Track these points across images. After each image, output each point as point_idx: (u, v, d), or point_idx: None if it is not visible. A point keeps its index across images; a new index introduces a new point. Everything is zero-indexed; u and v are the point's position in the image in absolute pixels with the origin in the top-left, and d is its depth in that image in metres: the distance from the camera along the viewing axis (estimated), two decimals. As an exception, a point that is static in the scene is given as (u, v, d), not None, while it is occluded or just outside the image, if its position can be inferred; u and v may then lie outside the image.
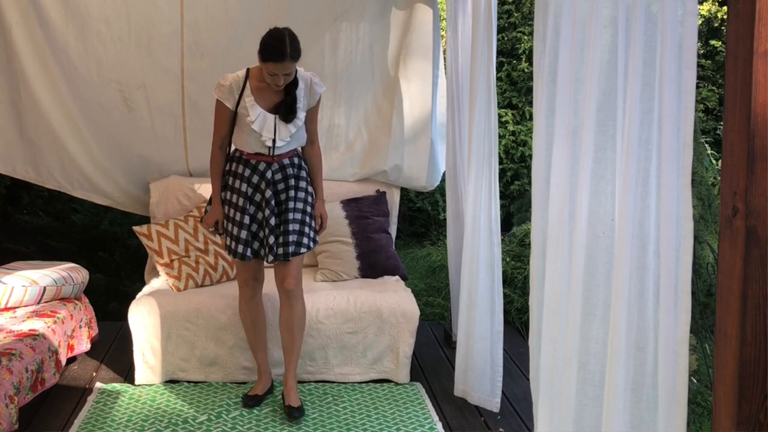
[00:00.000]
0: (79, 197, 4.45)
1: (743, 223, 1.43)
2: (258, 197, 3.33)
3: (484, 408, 3.46)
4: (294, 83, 3.25)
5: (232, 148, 3.42)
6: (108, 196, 4.38)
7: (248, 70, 3.27)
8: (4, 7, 3.93)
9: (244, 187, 3.31)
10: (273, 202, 3.31)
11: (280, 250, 3.32)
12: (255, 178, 3.31)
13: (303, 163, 3.45)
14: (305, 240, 3.38)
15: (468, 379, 3.50)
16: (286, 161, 3.35)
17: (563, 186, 2.13)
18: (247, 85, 3.24)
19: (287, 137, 3.29)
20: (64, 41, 4.04)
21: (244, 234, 3.32)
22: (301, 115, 3.31)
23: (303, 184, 3.40)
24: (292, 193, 3.35)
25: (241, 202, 3.32)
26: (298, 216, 3.35)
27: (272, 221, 3.30)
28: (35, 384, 3.24)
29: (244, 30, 4.05)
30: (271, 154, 3.30)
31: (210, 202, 3.49)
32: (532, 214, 2.33)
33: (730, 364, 1.46)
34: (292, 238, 3.32)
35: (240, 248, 3.34)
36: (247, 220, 3.32)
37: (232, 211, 3.35)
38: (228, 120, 3.29)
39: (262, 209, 3.33)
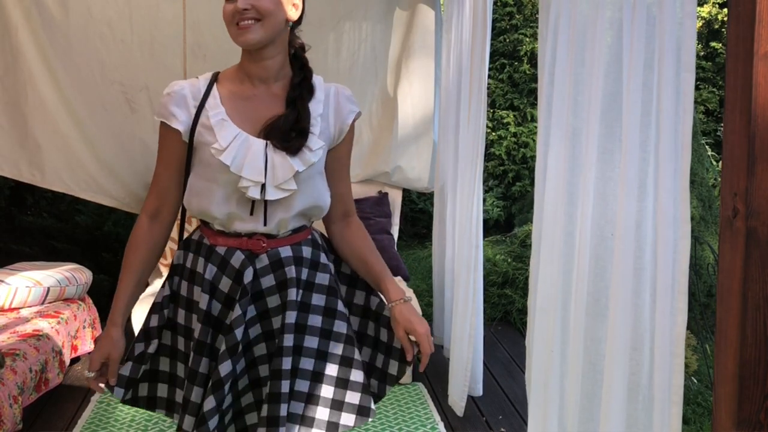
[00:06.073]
0: (85, 199, 4.47)
1: (743, 224, 1.44)
2: (228, 319, 1.76)
3: (480, 409, 3.48)
4: (306, 89, 1.79)
5: (189, 229, 1.95)
6: (114, 197, 4.39)
7: (216, 73, 1.81)
8: (8, 8, 3.94)
9: (203, 300, 1.76)
10: (240, 332, 1.73)
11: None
12: (224, 283, 1.77)
13: (326, 258, 1.87)
14: (323, 414, 1.82)
15: (451, 379, 3.53)
16: (286, 251, 1.78)
17: (561, 187, 2.15)
18: (214, 90, 1.76)
19: (289, 183, 1.72)
20: (67, 43, 4.06)
21: (193, 394, 1.73)
22: (317, 144, 1.76)
23: (334, 302, 1.84)
24: (292, 317, 1.77)
25: (196, 330, 1.76)
26: (322, 365, 1.82)
27: (224, 368, 1.70)
28: (39, 384, 3.25)
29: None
30: (264, 222, 1.75)
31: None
32: (534, 216, 2.35)
33: (731, 364, 1.47)
34: (289, 410, 1.78)
35: (186, 422, 1.72)
36: (203, 366, 1.74)
37: (188, 344, 1.81)
38: (175, 157, 1.77)
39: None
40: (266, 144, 1.73)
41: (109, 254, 5.36)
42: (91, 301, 4.14)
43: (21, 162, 4.17)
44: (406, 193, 5.63)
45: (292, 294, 1.77)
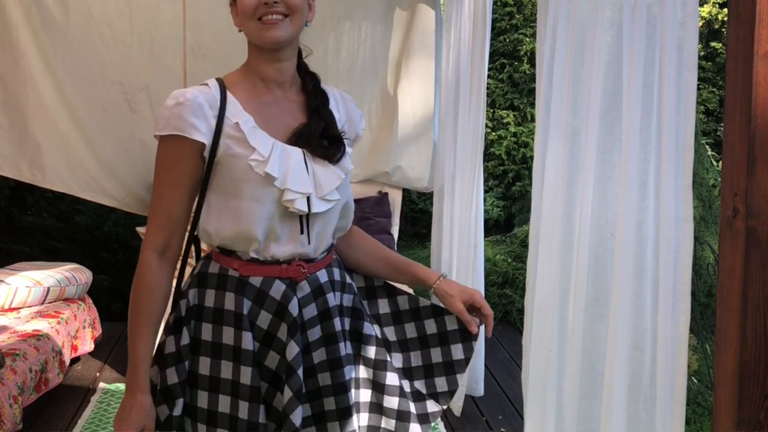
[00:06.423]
0: (85, 199, 4.47)
1: (744, 224, 1.43)
2: (273, 361, 1.58)
3: (480, 409, 3.48)
4: (323, 95, 1.66)
5: (188, 267, 1.70)
6: (114, 197, 4.40)
7: (220, 80, 1.60)
8: (8, 8, 3.95)
9: (246, 340, 1.54)
10: (302, 372, 1.55)
11: None
12: (263, 319, 1.57)
13: (350, 277, 1.73)
14: None
15: None
16: (323, 276, 1.63)
17: (560, 187, 2.14)
18: (229, 96, 1.56)
19: (333, 193, 1.59)
20: (67, 43, 4.06)
21: None
22: (348, 149, 1.66)
23: (360, 324, 1.69)
24: (342, 349, 1.63)
25: (244, 375, 1.54)
26: (357, 394, 1.68)
27: (298, 417, 1.51)
28: (39, 384, 3.25)
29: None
30: (309, 243, 1.58)
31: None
32: (531, 216, 2.35)
33: (731, 364, 1.47)
34: None
35: None
36: (260, 416, 1.53)
37: (213, 399, 1.55)
38: (192, 176, 1.54)
39: (280, 385, 1.56)
40: (303, 152, 1.57)
41: (109, 254, 5.37)
42: (91, 301, 4.14)
43: (21, 162, 4.17)
44: (406, 193, 5.63)
45: (338, 324, 1.62)
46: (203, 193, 1.56)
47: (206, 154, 1.53)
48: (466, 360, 1.74)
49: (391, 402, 1.66)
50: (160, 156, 1.54)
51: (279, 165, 1.52)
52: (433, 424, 1.74)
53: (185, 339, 1.56)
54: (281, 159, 1.53)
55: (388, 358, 1.69)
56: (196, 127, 1.50)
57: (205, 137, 1.51)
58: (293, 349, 1.54)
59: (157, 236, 1.56)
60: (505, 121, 6.42)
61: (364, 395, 1.69)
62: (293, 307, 1.56)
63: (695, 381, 3.75)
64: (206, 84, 1.57)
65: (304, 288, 1.59)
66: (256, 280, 1.56)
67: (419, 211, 6.54)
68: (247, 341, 1.53)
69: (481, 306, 1.70)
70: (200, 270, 1.61)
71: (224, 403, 1.54)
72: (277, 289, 1.56)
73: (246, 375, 1.52)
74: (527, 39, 6.39)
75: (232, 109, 1.55)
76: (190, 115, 1.50)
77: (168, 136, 1.51)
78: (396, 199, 4.52)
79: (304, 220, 1.56)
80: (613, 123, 1.96)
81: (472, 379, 3.57)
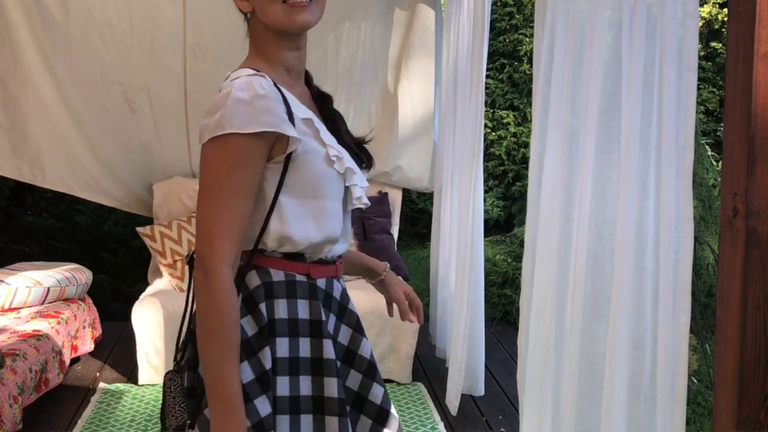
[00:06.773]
0: (85, 198, 4.47)
1: (743, 224, 1.43)
2: (345, 370, 1.53)
3: (480, 409, 3.48)
4: (326, 95, 1.60)
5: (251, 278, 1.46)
6: (114, 196, 4.40)
7: (258, 71, 1.41)
8: (8, 8, 3.95)
9: (326, 348, 1.43)
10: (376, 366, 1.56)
11: None
12: (331, 323, 1.50)
13: None
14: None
15: (449, 377, 3.53)
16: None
17: (558, 187, 2.15)
18: (285, 92, 1.41)
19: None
20: (67, 43, 4.06)
21: None
22: None
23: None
24: (365, 343, 1.58)
25: (329, 388, 1.41)
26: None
27: (395, 411, 1.54)
28: (39, 384, 3.25)
29: (246, 31, 4.07)
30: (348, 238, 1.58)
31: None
32: (527, 216, 2.35)
33: (731, 364, 1.47)
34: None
35: None
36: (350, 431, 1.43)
37: (295, 421, 1.41)
38: (258, 178, 1.36)
39: (361, 397, 1.53)
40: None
41: (108, 254, 5.37)
42: (91, 301, 4.14)
43: (22, 162, 4.17)
44: (406, 193, 5.63)
45: (357, 317, 1.59)
46: (275, 196, 1.38)
47: (295, 145, 1.37)
48: None
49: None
50: (233, 157, 1.31)
51: (349, 161, 1.47)
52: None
53: (268, 362, 1.37)
54: (348, 157, 1.47)
55: None
56: (287, 122, 1.34)
57: (291, 129, 1.35)
58: (366, 347, 1.52)
59: (230, 249, 1.33)
60: (505, 121, 6.42)
61: None
62: (352, 306, 1.53)
63: (695, 381, 3.75)
64: (257, 74, 1.39)
65: (342, 285, 1.55)
66: (321, 282, 1.46)
67: (419, 211, 6.54)
68: (329, 350, 1.41)
69: (413, 299, 1.73)
70: (263, 280, 1.42)
71: (307, 424, 1.40)
72: (337, 288, 1.51)
73: (331, 387, 1.40)
74: (527, 39, 6.39)
75: (294, 102, 1.42)
76: (278, 109, 1.34)
77: (250, 134, 1.31)
78: (396, 199, 4.52)
79: (346, 219, 1.51)
80: (612, 123, 1.96)
81: (472, 379, 3.57)
